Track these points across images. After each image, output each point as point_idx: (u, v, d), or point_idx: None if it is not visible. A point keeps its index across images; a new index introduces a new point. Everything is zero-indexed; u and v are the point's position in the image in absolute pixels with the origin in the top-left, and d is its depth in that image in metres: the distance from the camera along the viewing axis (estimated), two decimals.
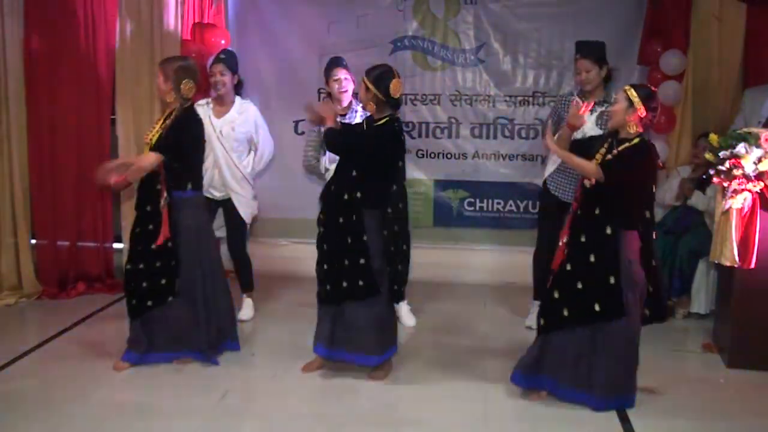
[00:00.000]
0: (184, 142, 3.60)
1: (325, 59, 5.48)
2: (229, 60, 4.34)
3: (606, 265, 3.15)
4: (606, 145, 3.25)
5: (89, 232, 5.09)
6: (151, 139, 3.60)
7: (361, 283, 3.44)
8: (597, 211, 3.18)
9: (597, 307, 3.14)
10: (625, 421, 3.15)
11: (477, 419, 3.17)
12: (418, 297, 4.93)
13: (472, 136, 5.52)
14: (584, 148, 3.35)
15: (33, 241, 5.02)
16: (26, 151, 4.89)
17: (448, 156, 5.54)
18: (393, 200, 3.82)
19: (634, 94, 3.15)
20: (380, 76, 3.43)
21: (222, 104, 4.37)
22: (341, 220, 3.44)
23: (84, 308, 4.67)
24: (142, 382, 3.57)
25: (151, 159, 3.55)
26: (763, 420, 3.20)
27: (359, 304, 3.48)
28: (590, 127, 3.87)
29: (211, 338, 3.76)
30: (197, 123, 3.70)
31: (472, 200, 5.59)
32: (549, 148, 3.44)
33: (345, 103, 4.31)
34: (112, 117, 5.11)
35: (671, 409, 3.30)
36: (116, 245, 5.25)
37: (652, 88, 3.27)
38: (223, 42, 5.16)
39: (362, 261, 3.42)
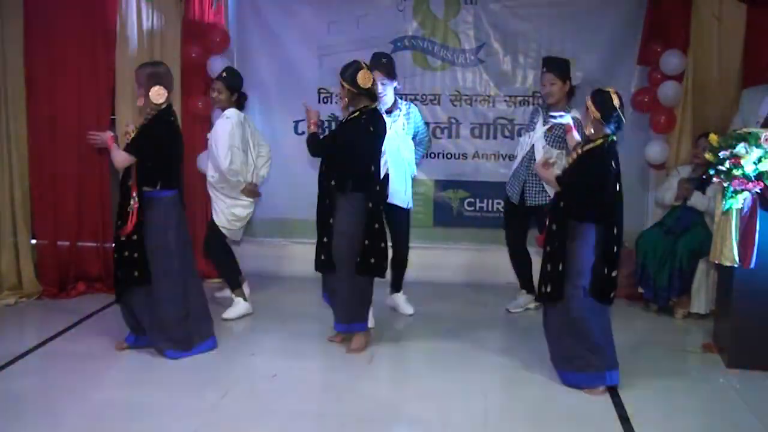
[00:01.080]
0: (151, 144, 3.74)
1: (325, 59, 5.52)
2: (228, 78, 4.44)
3: (558, 253, 3.40)
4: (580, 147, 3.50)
5: (89, 232, 5.09)
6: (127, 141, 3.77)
7: (322, 257, 3.94)
8: (561, 204, 3.47)
9: (544, 289, 3.47)
10: (625, 421, 3.15)
11: (477, 418, 3.17)
12: (419, 297, 4.93)
13: (472, 137, 5.52)
14: None
15: (33, 241, 5.02)
16: (26, 151, 4.90)
17: (448, 156, 5.53)
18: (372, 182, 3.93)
19: (588, 99, 3.39)
20: (348, 70, 3.83)
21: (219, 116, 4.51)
22: (327, 202, 3.91)
23: (84, 308, 4.67)
24: (141, 382, 3.58)
25: (122, 158, 3.74)
26: (763, 420, 3.20)
27: (334, 275, 3.95)
28: (538, 137, 4.39)
29: (182, 337, 3.84)
30: (167, 125, 3.80)
31: (472, 200, 5.58)
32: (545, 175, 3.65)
33: (386, 105, 4.40)
34: (112, 117, 5.11)
35: (671, 409, 3.30)
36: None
37: (604, 89, 3.39)
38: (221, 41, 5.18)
39: (325, 239, 3.90)
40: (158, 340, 3.83)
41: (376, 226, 3.86)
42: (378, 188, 3.94)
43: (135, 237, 3.72)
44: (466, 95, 5.49)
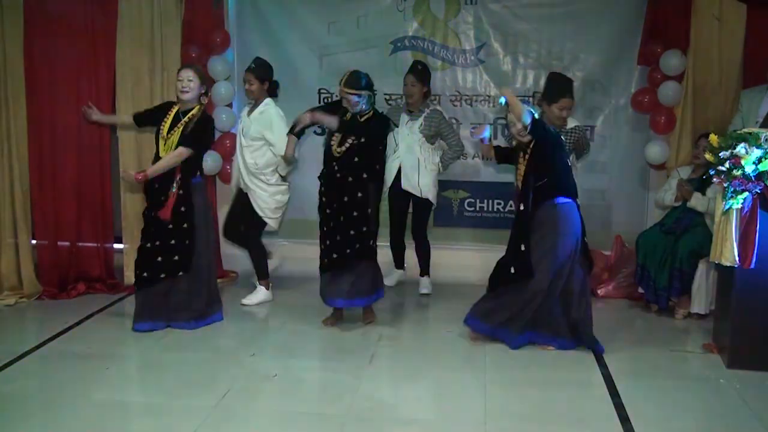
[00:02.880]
0: (207, 137, 4.25)
1: (325, 59, 5.52)
2: (257, 70, 4.63)
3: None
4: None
5: (89, 233, 5.09)
6: (167, 134, 4.11)
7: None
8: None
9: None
10: (625, 421, 3.15)
11: (477, 418, 3.17)
12: (418, 296, 4.94)
13: (472, 137, 5.51)
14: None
15: (33, 241, 5.02)
16: (26, 151, 4.89)
17: None
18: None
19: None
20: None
21: (256, 105, 4.71)
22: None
23: (84, 308, 4.67)
24: (142, 382, 3.58)
25: (183, 153, 4.07)
26: (763, 420, 3.20)
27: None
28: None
29: (203, 308, 4.27)
30: (212, 121, 4.36)
31: (472, 200, 5.59)
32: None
33: (412, 107, 4.87)
34: None
35: (671, 409, 3.30)
36: (116, 245, 5.26)
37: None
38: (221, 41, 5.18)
39: (352, 232, 4.22)
40: (181, 317, 4.21)
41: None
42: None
43: (185, 225, 4.13)
44: (467, 95, 5.50)
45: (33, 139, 4.90)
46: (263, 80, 4.62)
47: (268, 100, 4.65)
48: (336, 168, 4.15)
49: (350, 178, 4.12)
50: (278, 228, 5.02)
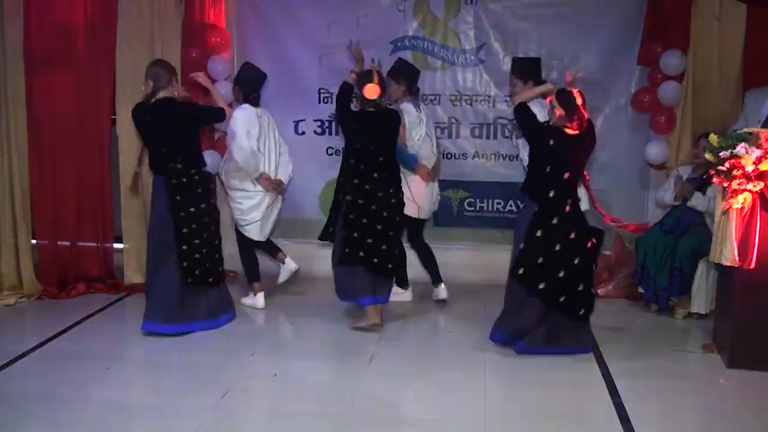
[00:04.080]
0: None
1: (325, 59, 5.51)
2: (236, 78, 4.77)
3: None
4: None
5: (89, 232, 5.09)
6: None
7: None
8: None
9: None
10: (625, 421, 3.15)
11: (477, 419, 3.17)
12: (419, 296, 4.94)
13: (472, 136, 5.52)
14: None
15: (33, 241, 5.02)
16: (26, 151, 4.90)
17: (448, 156, 5.53)
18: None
19: (553, 98, 3.82)
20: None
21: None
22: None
23: (84, 308, 4.67)
24: (142, 382, 3.58)
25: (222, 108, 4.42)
26: (763, 420, 3.20)
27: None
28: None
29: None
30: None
31: (472, 200, 5.59)
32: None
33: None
34: (113, 117, 5.12)
35: (671, 409, 3.30)
36: (116, 245, 5.25)
37: (566, 89, 3.81)
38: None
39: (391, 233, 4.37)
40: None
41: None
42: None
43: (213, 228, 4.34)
44: (467, 95, 5.50)
45: (33, 139, 4.91)
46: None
47: (244, 105, 4.64)
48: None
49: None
50: (263, 239, 4.98)
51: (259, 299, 4.75)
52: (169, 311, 4.09)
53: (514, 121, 4.10)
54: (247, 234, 4.72)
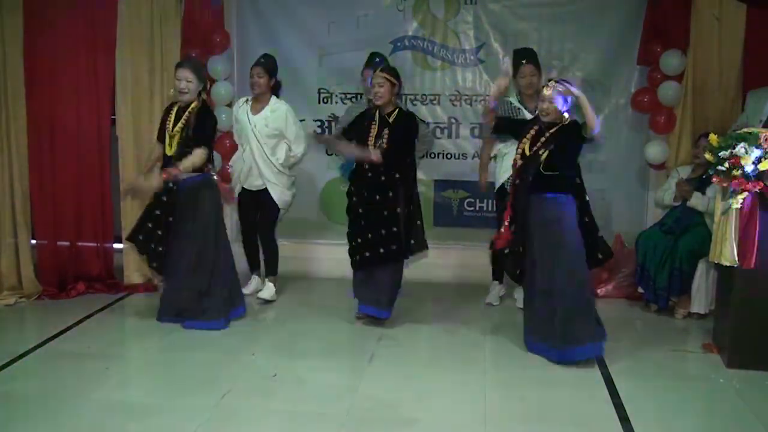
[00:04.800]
0: (209, 130, 4.25)
1: (325, 59, 5.52)
2: (267, 64, 4.68)
3: None
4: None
5: (89, 232, 5.09)
6: (173, 131, 4.16)
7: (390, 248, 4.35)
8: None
9: None
10: (625, 421, 3.15)
11: (477, 419, 3.17)
12: (418, 296, 4.93)
13: (471, 136, 5.52)
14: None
15: (33, 241, 5.02)
16: (26, 151, 4.89)
17: (448, 156, 5.54)
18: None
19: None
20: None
21: (259, 102, 4.73)
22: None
23: (84, 308, 4.67)
24: (142, 382, 3.58)
25: (202, 154, 4.12)
26: (763, 420, 3.20)
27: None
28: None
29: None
30: (212, 113, 4.38)
31: (472, 200, 5.59)
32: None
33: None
34: (112, 117, 5.12)
35: (671, 409, 3.30)
36: (116, 245, 5.25)
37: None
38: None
39: (395, 229, 4.30)
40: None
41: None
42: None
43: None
44: (466, 95, 5.50)
45: (33, 139, 4.90)
46: (271, 76, 4.70)
47: (281, 104, 4.75)
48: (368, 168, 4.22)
49: (383, 178, 4.18)
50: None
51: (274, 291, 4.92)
52: None
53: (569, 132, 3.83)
54: (280, 215, 4.95)
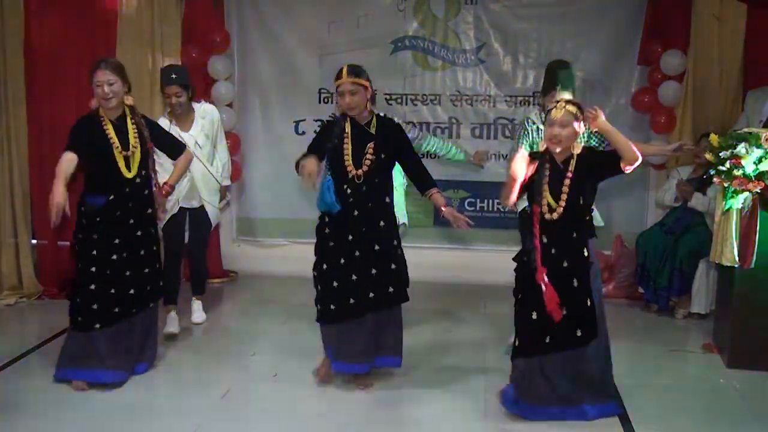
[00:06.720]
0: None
1: (325, 59, 5.52)
2: (181, 79, 4.09)
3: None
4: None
5: None
6: (131, 150, 3.50)
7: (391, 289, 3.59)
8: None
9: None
10: (625, 421, 3.15)
11: (476, 419, 3.17)
12: (418, 296, 4.92)
13: (472, 136, 5.52)
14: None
15: (33, 241, 5.02)
16: (26, 151, 4.89)
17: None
18: None
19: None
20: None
21: (185, 118, 4.18)
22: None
23: None
24: (141, 382, 3.57)
25: (189, 155, 3.80)
26: (763, 420, 3.20)
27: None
28: None
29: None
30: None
31: (472, 200, 5.59)
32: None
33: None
34: None
35: (671, 409, 3.30)
36: None
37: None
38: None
39: (393, 266, 3.53)
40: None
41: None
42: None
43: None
44: (467, 95, 5.50)
45: (33, 139, 4.90)
46: (188, 87, 4.12)
47: (205, 106, 4.29)
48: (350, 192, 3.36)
49: (370, 204, 3.36)
50: None
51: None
52: None
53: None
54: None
